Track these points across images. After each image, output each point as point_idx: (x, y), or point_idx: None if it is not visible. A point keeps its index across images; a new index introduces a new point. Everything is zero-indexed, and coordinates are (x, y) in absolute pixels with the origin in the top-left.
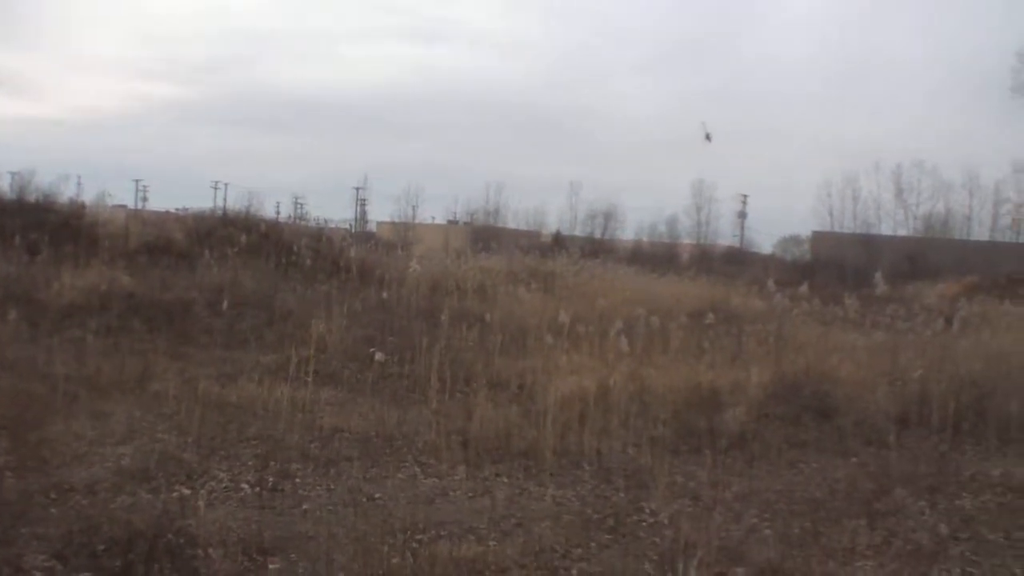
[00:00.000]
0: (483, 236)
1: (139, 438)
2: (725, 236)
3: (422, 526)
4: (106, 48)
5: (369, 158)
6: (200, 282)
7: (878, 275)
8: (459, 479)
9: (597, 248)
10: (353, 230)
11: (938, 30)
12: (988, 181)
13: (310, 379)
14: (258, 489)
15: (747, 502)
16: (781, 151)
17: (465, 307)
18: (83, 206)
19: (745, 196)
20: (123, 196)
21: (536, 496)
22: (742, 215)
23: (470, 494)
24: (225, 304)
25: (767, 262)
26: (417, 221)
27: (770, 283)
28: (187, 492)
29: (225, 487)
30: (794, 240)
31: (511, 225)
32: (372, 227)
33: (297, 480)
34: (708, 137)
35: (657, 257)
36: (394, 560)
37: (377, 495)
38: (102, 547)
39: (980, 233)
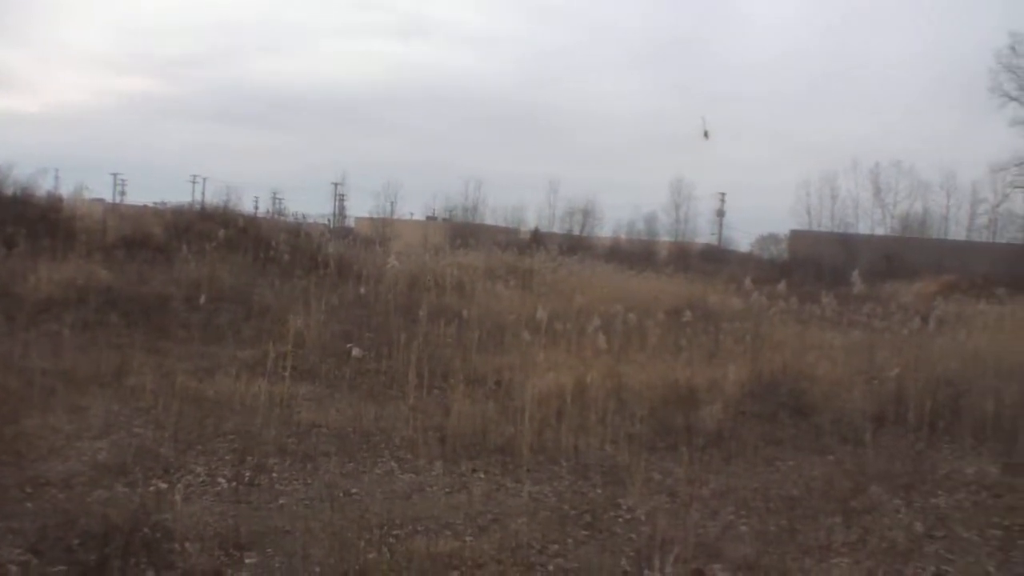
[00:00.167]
0: (461, 232)
1: (116, 432)
2: (703, 234)
3: (399, 521)
4: (84, 42)
5: (348, 154)
6: (178, 277)
7: (855, 274)
8: (436, 475)
9: (575, 245)
10: (331, 226)
11: (916, 31)
12: (965, 181)
13: (287, 374)
14: (235, 484)
15: (724, 499)
16: (760, 150)
17: (443, 303)
18: (61, 200)
19: (723, 194)
20: (101, 190)
21: (513, 492)
22: (720, 213)
23: (447, 490)
24: (203, 299)
25: (745, 260)
26: (396, 217)
27: (748, 281)
28: (164, 486)
29: (202, 481)
30: (772, 239)
31: (490, 222)
32: (351, 223)
33: (274, 475)
34: (707, 135)
35: (635, 255)
36: (370, 555)
37: (354, 490)
38: (78, 541)
39: (957, 233)
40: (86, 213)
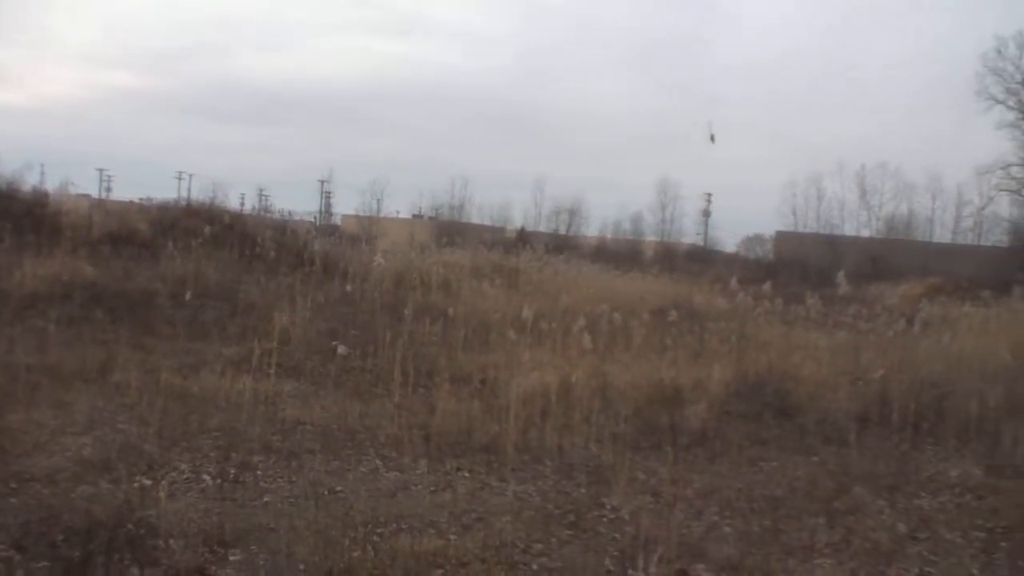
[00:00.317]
0: (448, 231)
1: (100, 428)
2: (689, 234)
3: (383, 519)
4: (71, 36)
5: (335, 151)
6: (163, 273)
7: (841, 275)
8: (421, 473)
9: (561, 244)
10: (318, 223)
11: (904, 35)
12: (951, 184)
13: (272, 371)
14: (219, 481)
15: (708, 499)
16: (747, 151)
17: (429, 301)
18: (46, 195)
19: (709, 195)
20: (87, 185)
21: (497, 491)
22: (706, 213)
23: (431, 488)
24: (188, 295)
25: (731, 261)
26: (382, 215)
27: (733, 282)
28: (148, 483)
29: (186, 478)
30: (758, 239)
31: (476, 220)
32: (337, 220)
33: (258, 472)
34: (712, 138)
35: (621, 254)
36: (355, 553)
37: (338, 488)
38: (62, 537)
39: (942, 235)
40: (72, 208)
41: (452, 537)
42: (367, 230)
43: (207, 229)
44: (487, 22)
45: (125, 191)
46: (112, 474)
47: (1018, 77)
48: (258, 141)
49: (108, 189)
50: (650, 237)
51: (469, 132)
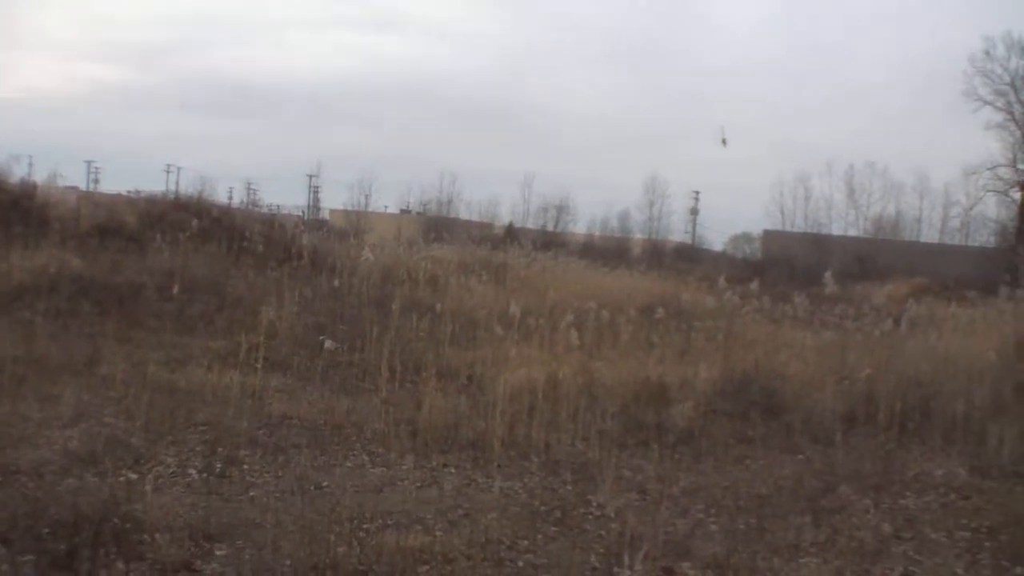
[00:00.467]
0: (436, 226)
1: (87, 421)
2: (677, 232)
3: (369, 515)
4: (58, 29)
5: (323, 146)
6: (151, 266)
7: (828, 274)
8: (407, 469)
9: (549, 241)
10: (306, 217)
11: (892, 35)
12: (938, 184)
13: (260, 366)
14: (205, 475)
15: (694, 497)
16: (735, 150)
17: (416, 297)
18: (34, 187)
19: (697, 193)
20: (75, 177)
21: (484, 487)
22: (694, 212)
23: (418, 484)
24: (175, 289)
25: (718, 259)
26: (370, 210)
27: (721, 280)
28: (134, 477)
29: (172, 472)
30: (745, 238)
31: (464, 216)
32: (325, 215)
33: (245, 467)
34: (724, 142)
35: (609, 251)
36: (341, 549)
37: (325, 483)
38: (47, 530)
39: (929, 235)
40: (59, 200)
41: (438, 533)
42: (355, 225)
43: (195, 222)
44: (476, 19)
45: (113, 184)
46: (98, 468)
47: (1006, 78)
48: (246, 135)
49: (96, 181)
50: (638, 235)
51: (458, 128)
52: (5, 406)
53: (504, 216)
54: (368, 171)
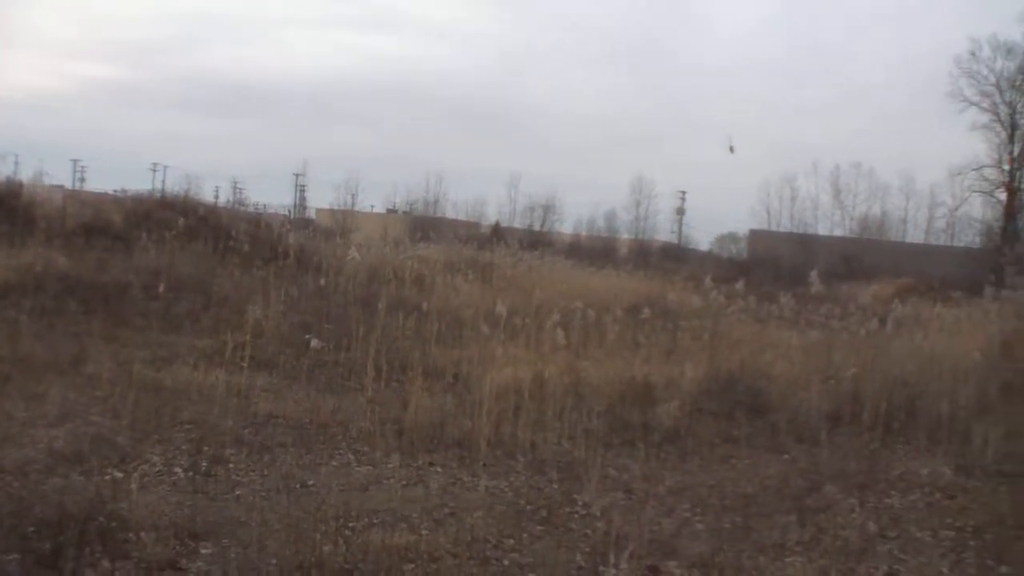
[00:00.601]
0: (422, 225)
1: (72, 420)
2: (663, 232)
3: (355, 514)
4: (44, 27)
5: (310, 145)
6: (137, 265)
7: (813, 274)
8: (393, 467)
9: (536, 240)
10: (292, 216)
11: (878, 36)
12: (924, 185)
13: (245, 364)
14: (191, 474)
15: (679, 496)
16: (721, 150)
17: (403, 296)
18: (20, 185)
19: (684, 193)
20: (61, 176)
21: (469, 486)
22: (681, 211)
23: (404, 483)
24: (161, 287)
25: (704, 259)
26: (357, 209)
27: (707, 280)
28: (120, 475)
29: (158, 471)
30: (731, 237)
31: (451, 215)
32: (311, 214)
33: (231, 465)
34: (732, 149)
35: (595, 251)
36: (326, 547)
37: (310, 482)
38: (32, 529)
39: (915, 235)
40: (45, 199)
41: (424, 532)
42: (341, 224)
43: (181, 221)
44: (464, 19)
45: (99, 182)
46: (84, 466)
47: (991, 79)
48: (233, 134)
49: (82, 180)
50: (624, 235)
51: (444, 128)
52: None
53: (491, 216)
54: (355, 171)
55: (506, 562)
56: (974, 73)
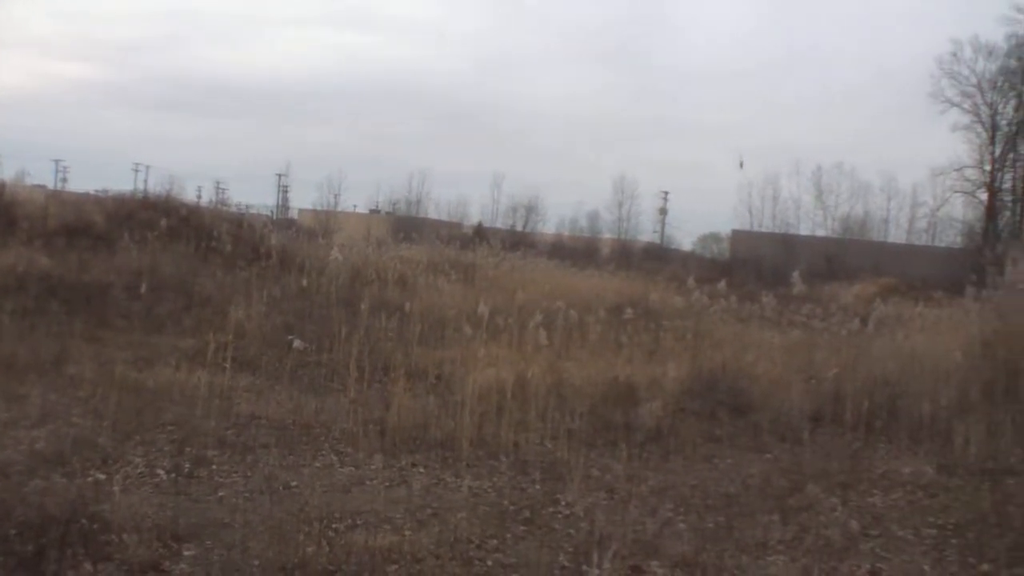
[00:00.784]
0: (405, 226)
1: (54, 421)
2: (646, 232)
3: (338, 515)
4: (26, 25)
5: (292, 145)
6: (119, 265)
7: (796, 274)
8: (376, 468)
9: (518, 241)
10: (274, 217)
11: (860, 36)
12: (905, 185)
13: (228, 365)
14: (174, 475)
15: (662, 496)
16: (703, 150)
17: (385, 297)
18: (2, 185)
19: (666, 193)
20: (42, 176)
21: (452, 487)
22: (663, 212)
23: (387, 483)
24: (143, 288)
25: (687, 259)
26: (339, 209)
27: (689, 280)
28: (102, 477)
29: (140, 472)
30: (714, 237)
31: (433, 215)
32: (294, 214)
33: (213, 467)
34: (741, 164)
35: (578, 251)
36: (309, 548)
37: (293, 483)
38: (14, 531)
39: (897, 235)
40: (27, 199)
41: (407, 533)
42: (324, 224)
43: (163, 222)
44: (448, 19)
45: (81, 183)
46: (65, 468)
47: (973, 80)
48: (215, 133)
49: (64, 180)
50: (607, 235)
51: (427, 128)
52: None
53: (473, 216)
54: (337, 171)
55: (489, 562)
56: (956, 74)
